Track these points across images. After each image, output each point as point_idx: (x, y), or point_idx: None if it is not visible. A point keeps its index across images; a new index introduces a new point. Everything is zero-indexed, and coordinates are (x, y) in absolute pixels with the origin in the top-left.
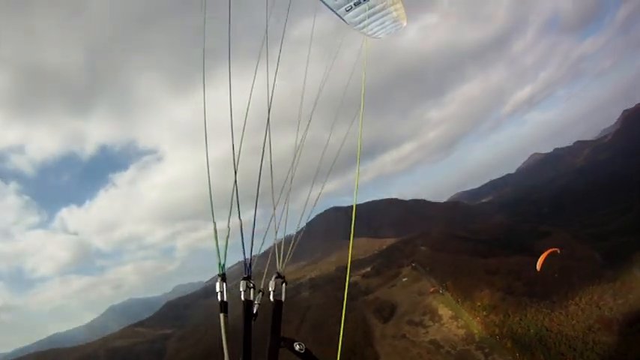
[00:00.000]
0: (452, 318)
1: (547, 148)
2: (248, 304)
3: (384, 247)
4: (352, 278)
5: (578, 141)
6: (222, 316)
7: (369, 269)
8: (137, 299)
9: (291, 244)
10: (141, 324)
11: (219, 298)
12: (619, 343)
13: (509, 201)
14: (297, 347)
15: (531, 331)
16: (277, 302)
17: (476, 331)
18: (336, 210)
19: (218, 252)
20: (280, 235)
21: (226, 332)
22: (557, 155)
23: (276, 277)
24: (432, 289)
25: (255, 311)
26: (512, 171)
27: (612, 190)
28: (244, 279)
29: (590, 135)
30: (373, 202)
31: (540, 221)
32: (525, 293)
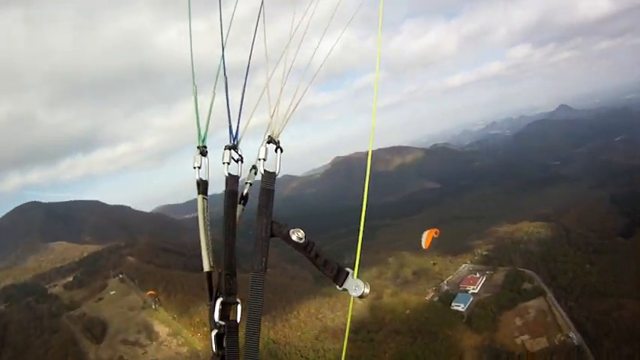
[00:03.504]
0: (170, 335)
1: (256, 177)
2: (232, 181)
3: (86, 254)
4: (53, 289)
5: (288, 175)
6: (200, 198)
7: (70, 279)
8: None
9: (293, 99)
10: None
11: (197, 175)
12: (350, 348)
13: (218, 219)
14: (294, 236)
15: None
16: (268, 175)
17: (199, 348)
18: (35, 205)
19: (197, 117)
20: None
21: (205, 219)
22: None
23: (268, 142)
24: (149, 292)
25: (245, 192)
26: (219, 192)
27: (317, 219)
28: (228, 148)
29: (299, 172)
30: (77, 202)
31: (248, 242)
32: (244, 308)
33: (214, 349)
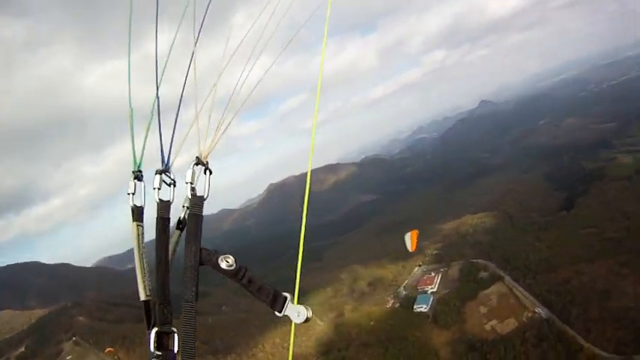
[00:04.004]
0: None
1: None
2: (163, 206)
3: (34, 320)
4: None
5: (225, 209)
6: (134, 225)
7: (22, 349)
8: None
9: (222, 117)
10: None
11: (130, 201)
12: None
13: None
14: (223, 264)
15: None
16: (195, 199)
17: None
18: None
19: (132, 140)
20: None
21: (139, 247)
22: (203, 221)
23: (195, 164)
24: (107, 350)
25: (182, 217)
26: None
27: (261, 248)
28: (159, 172)
29: (235, 204)
30: (15, 265)
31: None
32: (208, 351)
33: None
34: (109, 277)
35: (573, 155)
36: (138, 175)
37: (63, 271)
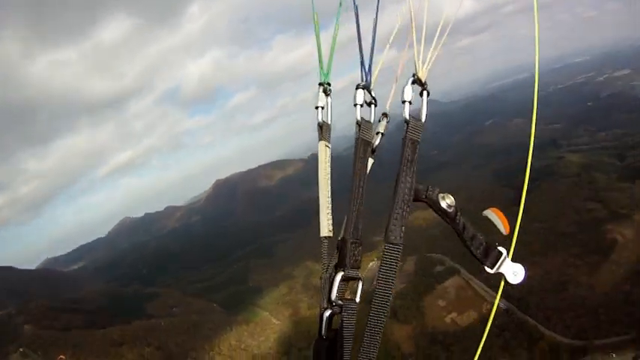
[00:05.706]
0: None
1: (138, 213)
2: (366, 127)
3: None
4: None
5: (170, 206)
6: (322, 144)
7: None
8: None
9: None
10: None
11: (318, 117)
12: None
13: (103, 266)
14: (444, 203)
15: None
16: (416, 123)
17: None
18: None
19: (319, 48)
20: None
21: (326, 171)
22: (149, 219)
23: (413, 82)
24: (59, 358)
25: (375, 144)
26: (103, 235)
27: (208, 246)
28: (360, 87)
29: (181, 201)
30: None
31: (143, 283)
32: (163, 357)
33: (323, 331)
34: (54, 279)
35: (521, 154)
36: (326, 89)
37: (5, 274)
